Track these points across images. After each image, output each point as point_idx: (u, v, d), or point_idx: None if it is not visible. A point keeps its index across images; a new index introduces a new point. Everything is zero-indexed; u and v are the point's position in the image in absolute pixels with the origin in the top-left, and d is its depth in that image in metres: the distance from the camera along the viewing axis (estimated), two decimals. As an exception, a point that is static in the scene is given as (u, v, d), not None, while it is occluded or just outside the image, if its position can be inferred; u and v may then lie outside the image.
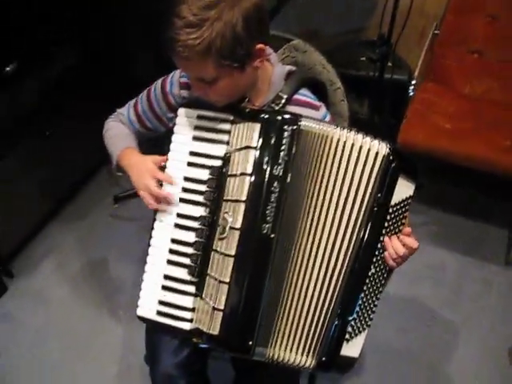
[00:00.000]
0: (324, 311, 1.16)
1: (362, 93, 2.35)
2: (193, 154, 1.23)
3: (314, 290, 1.15)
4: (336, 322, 1.15)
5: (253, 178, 1.10)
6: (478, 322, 2.15)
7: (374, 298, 1.21)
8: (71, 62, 2.36)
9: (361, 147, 1.12)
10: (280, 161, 1.09)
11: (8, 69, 2.04)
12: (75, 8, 2.29)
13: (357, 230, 1.13)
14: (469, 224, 2.50)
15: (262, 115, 1.12)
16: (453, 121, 2.30)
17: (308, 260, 1.15)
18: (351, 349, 1.19)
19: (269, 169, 1.09)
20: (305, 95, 1.31)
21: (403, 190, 1.17)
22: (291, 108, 1.27)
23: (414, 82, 2.34)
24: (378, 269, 1.18)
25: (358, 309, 1.18)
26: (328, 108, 1.38)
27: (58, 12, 2.24)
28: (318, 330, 1.16)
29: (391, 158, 1.12)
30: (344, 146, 1.12)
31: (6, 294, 2.20)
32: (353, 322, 1.17)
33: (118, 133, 1.42)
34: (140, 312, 1.27)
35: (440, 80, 2.48)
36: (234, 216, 1.11)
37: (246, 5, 1.06)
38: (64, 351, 2.02)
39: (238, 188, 1.12)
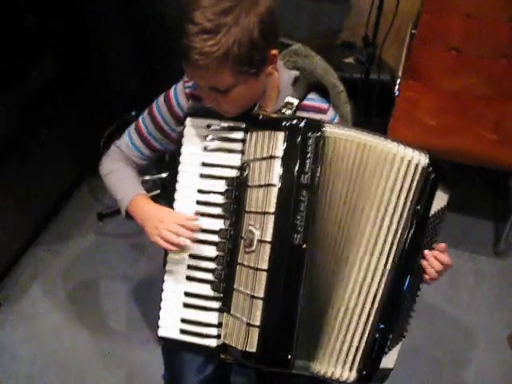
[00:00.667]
0: (364, 324, 1.12)
1: (348, 95, 2.36)
2: (205, 164, 1.20)
3: (355, 303, 1.12)
4: (377, 336, 1.12)
5: (280, 189, 1.07)
6: (476, 312, 2.19)
7: (410, 311, 1.20)
8: (47, 79, 2.29)
9: (402, 158, 1.08)
10: (307, 169, 1.07)
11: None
12: (48, 21, 2.23)
13: (396, 242, 1.10)
14: (455, 217, 2.52)
15: (284, 123, 1.09)
16: (438, 117, 2.32)
17: (344, 272, 1.12)
18: (388, 360, 1.17)
19: (296, 178, 1.07)
20: (312, 99, 1.29)
21: (438, 200, 1.14)
22: (300, 114, 1.25)
23: (398, 82, 2.36)
24: (414, 281, 1.16)
25: (396, 321, 1.15)
26: None
27: (28, 27, 2.18)
28: (358, 343, 1.13)
29: (430, 169, 1.09)
30: (384, 156, 1.09)
31: (-6, 324, 2.11)
32: (391, 335, 1.15)
33: (121, 176, 1.35)
34: (162, 332, 1.24)
35: (420, 78, 2.51)
36: (263, 228, 1.08)
37: (261, 9, 1.03)
38: (63, 378, 1.94)
39: (265, 199, 1.09)
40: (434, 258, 1.15)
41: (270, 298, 1.07)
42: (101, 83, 2.42)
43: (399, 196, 1.09)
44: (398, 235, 1.10)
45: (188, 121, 1.22)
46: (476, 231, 2.49)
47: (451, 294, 2.25)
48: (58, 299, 2.20)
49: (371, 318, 1.12)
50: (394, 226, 1.09)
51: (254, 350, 1.08)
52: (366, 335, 1.12)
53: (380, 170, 1.09)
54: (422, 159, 1.09)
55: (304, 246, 1.07)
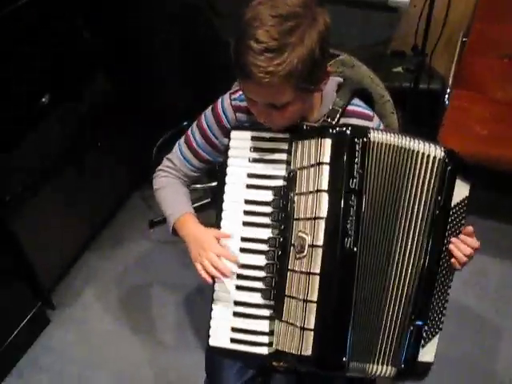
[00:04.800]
0: (400, 319, 1.15)
1: (396, 104, 2.35)
2: (252, 175, 1.23)
3: (390, 299, 1.15)
4: (412, 328, 1.16)
5: (330, 194, 1.09)
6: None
7: (443, 301, 1.21)
8: (102, 92, 2.36)
9: (423, 154, 1.14)
10: (355, 174, 1.08)
11: (42, 101, 2.04)
12: (102, 38, 2.31)
13: (422, 235, 1.15)
14: (504, 227, 2.47)
15: (330, 130, 1.11)
16: (489, 126, 2.28)
17: (384, 270, 1.14)
18: (426, 354, 1.19)
19: (345, 183, 1.08)
20: (358, 105, 1.31)
21: (460, 190, 1.19)
22: (346, 120, 1.27)
23: (448, 91, 2.34)
24: (444, 272, 1.19)
25: (430, 313, 1.18)
26: None
27: (85, 43, 2.26)
28: (396, 337, 1.16)
29: (447, 160, 1.15)
30: (415, 156, 1.14)
31: (49, 326, 2.17)
32: (426, 327, 1.18)
33: (171, 192, 1.38)
34: (212, 342, 1.25)
35: (472, 87, 2.47)
36: (314, 233, 1.09)
37: (320, 27, 1.05)
38: (114, 381, 1.99)
39: (315, 205, 1.10)
40: (461, 242, 1.19)
41: (323, 301, 1.08)
42: (153, 96, 2.49)
43: (422, 189, 1.14)
44: (423, 228, 1.15)
45: (233, 133, 1.24)
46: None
47: (500, 304, 2.20)
48: (109, 304, 2.26)
49: (407, 313, 1.16)
50: (420, 219, 1.15)
51: (309, 353, 1.08)
52: (402, 329, 1.16)
53: (410, 170, 1.14)
54: (438, 152, 1.15)
55: (355, 249, 1.08)
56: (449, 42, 2.58)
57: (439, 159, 1.14)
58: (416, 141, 1.14)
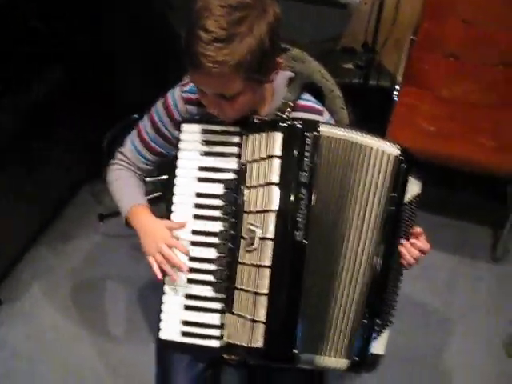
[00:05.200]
0: (353, 312, 1.17)
1: (346, 100, 2.39)
2: (203, 169, 1.23)
3: (343, 292, 1.17)
4: (365, 322, 1.17)
5: (281, 187, 1.10)
6: (473, 318, 2.20)
7: (394, 296, 1.24)
8: (53, 82, 2.31)
9: (377, 150, 1.15)
10: (305, 167, 1.10)
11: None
12: (55, 26, 2.25)
13: (377, 229, 1.16)
14: (453, 223, 2.55)
15: (281, 124, 1.12)
16: (436, 123, 2.35)
17: (338, 262, 1.16)
18: (378, 347, 1.21)
19: (295, 176, 1.09)
20: (308, 100, 1.32)
21: (412, 188, 1.21)
22: (296, 114, 1.28)
23: (397, 88, 2.39)
24: (395, 266, 1.21)
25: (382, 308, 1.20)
26: None
27: (36, 32, 2.20)
28: (349, 330, 1.17)
29: (401, 157, 1.16)
30: (364, 150, 1.15)
31: (-5, 322, 2.13)
32: (378, 321, 1.20)
33: (124, 185, 1.37)
34: (163, 335, 1.24)
35: (419, 84, 2.53)
36: (264, 226, 1.10)
37: (270, 18, 1.06)
38: (62, 377, 1.96)
39: (265, 198, 1.11)
40: (411, 246, 1.22)
41: (273, 294, 1.09)
42: (104, 87, 2.45)
43: (376, 185, 1.15)
44: (379, 222, 1.16)
45: (184, 126, 1.24)
46: (474, 237, 2.51)
47: (449, 298, 2.27)
48: (58, 298, 2.22)
49: (360, 306, 1.17)
50: (373, 215, 1.16)
51: (259, 345, 1.09)
52: (355, 322, 1.17)
53: (362, 164, 1.15)
54: (393, 149, 1.16)
55: (305, 241, 1.09)
56: (398, 40, 2.64)
57: (394, 156, 1.16)
58: (369, 136, 1.16)
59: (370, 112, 2.50)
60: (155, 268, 1.22)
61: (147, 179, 2.42)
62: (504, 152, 2.22)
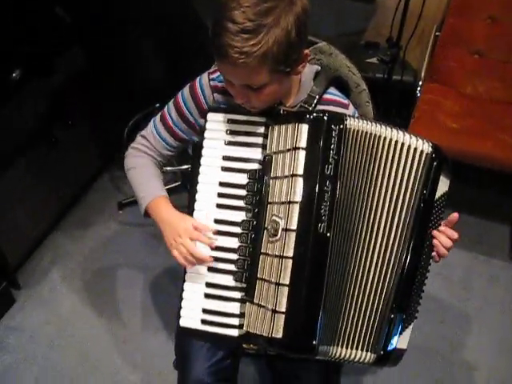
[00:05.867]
0: (381, 306, 1.17)
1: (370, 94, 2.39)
2: (227, 158, 1.23)
3: (371, 286, 1.17)
4: (392, 316, 1.17)
5: (305, 179, 1.10)
6: (488, 315, 2.19)
7: (419, 292, 1.24)
8: (75, 69, 2.33)
9: (409, 146, 1.15)
10: (330, 160, 1.09)
11: (13, 76, 2.00)
12: (76, 15, 2.26)
13: (407, 225, 1.16)
14: (471, 220, 2.54)
15: (307, 116, 1.12)
16: (459, 120, 2.33)
17: (365, 257, 1.16)
18: (402, 341, 1.21)
19: (320, 169, 1.09)
20: (333, 94, 1.32)
21: (441, 185, 1.21)
22: (322, 107, 1.28)
23: (420, 83, 2.38)
24: (423, 263, 1.21)
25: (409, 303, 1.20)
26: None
27: (59, 19, 2.22)
28: (376, 325, 1.18)
29: (434, 155, 1.16)
30: (393, 145, 1.15)
31: (14, 306, 2.15)
32: (404, 316, 1.19)
33: (144, 174, 1.37)
34: (183, 322, 1.25)
35: (443, 80, 2.51)
36: (288, 217, 1.10)
37: (298, 10, 1.06)
38: (79, 362, 1.98)
39: (290, 189, 1.11)
40: (442, 234, 1.21)
41: (295, 285, 1.09)
42: (127, 75, 2.45)
43: (408, 182, 1.16)
44: (408, 219, 1.16)
45: (210, 115, 1.24)
46: (492, 235, 2.49)
47: (464, 295, 2.26)
48: (76, 285, 2.24)
49: (388, 300, 1.17)
50: (404, 211, 1.16)
51: (280, 335, 1.09)
52: (382, 317, 1.17)
53: (388, 159, 1.15)
54: (426, 147, 1.16)
55: (328, 234, 1.09)
56: (422, 36, 2.62)
57: (426, 153, 1.15)
58: (398, 131, 1.16)
59: (394, 107, 2.51)
60: (181, 261, 1.22)
61: (167, 168, 2.47)
62: (526, 150, 2.19)
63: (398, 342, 1.19)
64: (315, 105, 1.26)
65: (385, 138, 1.14)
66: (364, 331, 1.17)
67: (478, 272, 2.35)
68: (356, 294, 1.16)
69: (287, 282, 1.09)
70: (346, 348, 1.17)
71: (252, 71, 1.06)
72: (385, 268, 1.17)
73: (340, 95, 1.33)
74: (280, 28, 1.03)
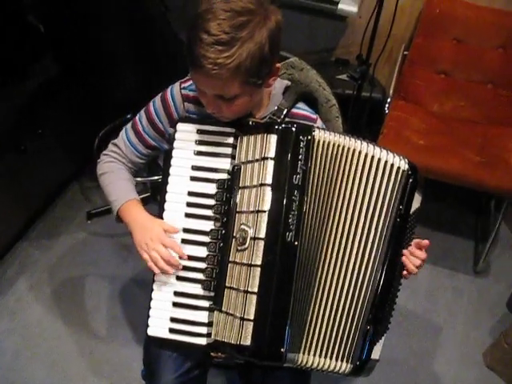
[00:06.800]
0: (356, 317, 1.19)
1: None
2: (196, 168, 1.25)
3: (346, 297, 1.19)
4: (368, 328, 1.19)
5: (274, 188, 1.12)
6: (452, 327, 2.24)
7: (393, 303, 1.26)
8: (47, 78, 2.32)
9: (385, 162, 1.18)
10: (298, 170, 1.12)
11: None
12: (50, 24, 2.26)
13: (383, 239, 1.19)
14: (436, 235, 2.60)
15: (277, 126, 1.15)
16: (425, 137, 2.39)
17: (339, 267, 1.18)
18: (376, 351, 1.24)
19: (288, 178, 1.12)
20: (302, 108, 1.35)
21: (414, 202, 1.24)
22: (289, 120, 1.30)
23: (388, 100, 2.44)
24: (397, 273, 1.25)
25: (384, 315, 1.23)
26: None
27: (31, 27, 2.21)
28: (352, 335, 1.19)
29: (410, 172, 1.20)
30: (370, 160, 1.18)
31: (-22, 316, 2.11)
32: (379, 328, 1.22)
33: (116, 178, 1.38)
34: (151, 331, 1.26)
35: (410, 98, 2.58)
36: (256, 226, 1.13)
37: (271, 25, 1.09)
38: (46, 373, 1.95)
39: (258, 198, 1.14)
40: (411, 254, 1.25)
41: (263, 293, 1.11)
42: (99, 85, 2.45)
43: (384, 197, 1.18)
44: (385, 233, 1.19)
45: (179, 125, 1.26)
46: (457, 249, 2.55)
47: (430, 307, 2.31)
48: (43, 295, 2.21)
49: (363, 312, 1.19)
50: (380, 225, 1.19)
51: (248, 343, 1.11)
52: (358, 328, 1.19)
53: (367, 173, 1.18)
54: (403, 164, 1.19)
55: (296, 243, 1.12)
56: (391, 55, 2.69)
57: (403, 170, 1.19)
58: (376, 147, 1.19)
59: (362, 123, 2.56)
60: (151, 264, 1.23)
61: (137, 179, 2.47)
62: (489, 167, 2.26)
63: (375, 353, 1.22)
64: (283, 118, 1.29)
65: (360, 152, 1.17)
66: (339, 341, 1.19)
67: (443, 285, 2.40)
68: (330, 303, 1.18)
69: (255, 290, 1.11)
70: (320, 357, 1.19)
71: (225, 82, 1.09)
72: (360, 279, 1.19)
73: (308, 110, 1.37)
74: (254, 42, 1.06)
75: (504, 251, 2.56)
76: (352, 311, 1.19)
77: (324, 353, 1.19)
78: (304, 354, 1.18)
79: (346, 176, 1.17)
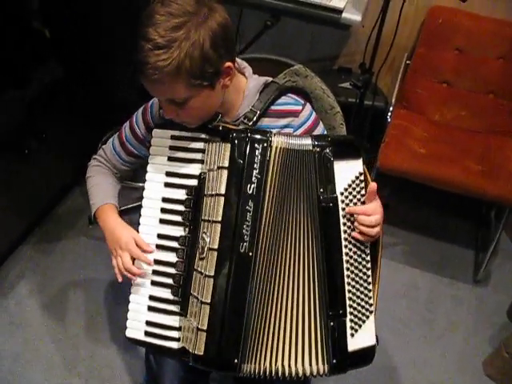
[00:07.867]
0: (317, 318, 1.17)
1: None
2: (169, 174, 1.25)
3: (303, 300, 1.17)
4: (332, 324, 1.17)
5: (226, 199, 1.13)
6: (452, 336, 2.23)
7: (364, 283, 1.22)
8: (51, 82, 2.33)
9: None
10: (253, 179, 1.12)
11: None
12: (51, 26, 2.27)
13: (316, 229, 1.17)
14: (436, 244, 2.60)
15: (232, 135, 1.14)
16: (427, 146, 2.39)
17: (292, 273, 1.17)
18: (364, 339, 1.21)
19: (242, 188, 1.12)
20: (284, 104, 1.30)
21: (351, 169, 1.19)
22: (268, 120, 1.28)
23: (391, 109, 2.45)
24: (352, 254, 1.19)
25: (349, 302, 1.19)
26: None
27: (35, 31, 2.22)
28: (318, 336, 1.18)
29: (318, 149, 1.16)
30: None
31: (-21, 319, 2.13)
32: (351, 316, 1.19)
33: (98, 181, 1.40)
34: (129, 333, 1.29)
35: (412, 107, 2.58)
36: (212, 236, 1.14)
37: (212, 24, 1.08)
38: (45, 377, 1.96)
39: (214, 208, 1.14)
40: (362, 217, 1.18)
41: (215, 304, 1.13)
42: (103, 88, 2.47)
43: (305, 186, 1.16)
44: (316, 223, 1.16)
45: (155, 131, 1.27)
46: (457, 258, 2.55)
47: (429, 316, 2.30)
48: (44, 299, 2.22)
49: (320, 309, 1.17)
50: (310, 218, 1.16)
51: (201, 353, 1.13)
52: (320, 326, 1.17)
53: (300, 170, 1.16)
54: (308, 146, 1.17)
55: (250, 253, 1.12)
56: (393, 64, 2.69)
57: (317, 151, 1.15)
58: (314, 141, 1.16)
59: (365, 131, 2.57)
60: (116, 271, 1.27)
61: (140, 184, 2.46)
62: (489, 177, 2.26)
63: (357, 342, 1.19)
64: (257, 119, 1.25)
65: (294, 150, 1.16)
66: (307, 345, 1.18)
67: (442, 294, 2.39)
68: (289, 311, 1.17)
69: (208, 301, 1.13)
70: (295, 365, 1.17)
71: (169, 86, 1.09)
72: (312, 278, 1.17)
73: (292, 102, 1.31)
74: (190, 41, 1.05)
75: (504, 260, 2.55)
76: (312, 313, 1.17)
77: (294, 360, 1.17)
78: (272, 363, 1.17)
79: (289, 178, 1.16)
